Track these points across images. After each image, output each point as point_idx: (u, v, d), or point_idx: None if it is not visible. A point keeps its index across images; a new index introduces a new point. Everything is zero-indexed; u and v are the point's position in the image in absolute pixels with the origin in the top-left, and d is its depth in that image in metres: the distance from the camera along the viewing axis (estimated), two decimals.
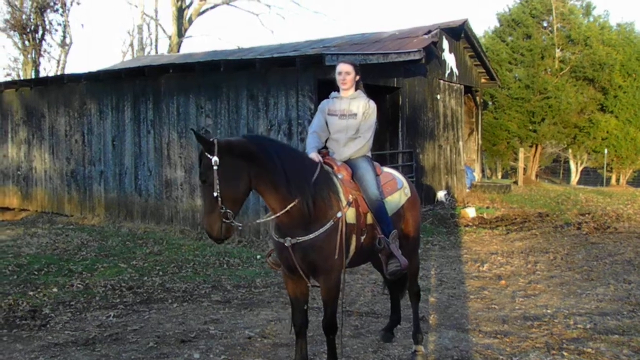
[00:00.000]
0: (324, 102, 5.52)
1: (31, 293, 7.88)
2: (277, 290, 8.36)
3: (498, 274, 9.42)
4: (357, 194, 5.05)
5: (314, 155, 5.06)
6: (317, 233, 4.66)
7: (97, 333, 6.49)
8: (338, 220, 4.73)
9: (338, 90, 5.44)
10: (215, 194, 4.32)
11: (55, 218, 15.07)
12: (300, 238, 4.68)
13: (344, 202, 4.85)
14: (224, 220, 4.35)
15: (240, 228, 4.60)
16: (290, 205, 4.58)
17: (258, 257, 10.43)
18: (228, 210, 4.35)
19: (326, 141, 5.43)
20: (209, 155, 4.32)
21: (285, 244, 4.73)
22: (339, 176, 5.06)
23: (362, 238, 5.00)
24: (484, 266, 9.94)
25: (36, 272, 8.99)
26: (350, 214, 4.85)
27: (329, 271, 4.77)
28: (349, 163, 5.24)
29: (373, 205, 5.07)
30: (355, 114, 5.27)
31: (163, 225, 13.26)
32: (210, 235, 4.43)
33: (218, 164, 4.32)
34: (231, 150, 4.40)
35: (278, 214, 4.63)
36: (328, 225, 4.69)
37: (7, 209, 16.96)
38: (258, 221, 5.08)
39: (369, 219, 5.08)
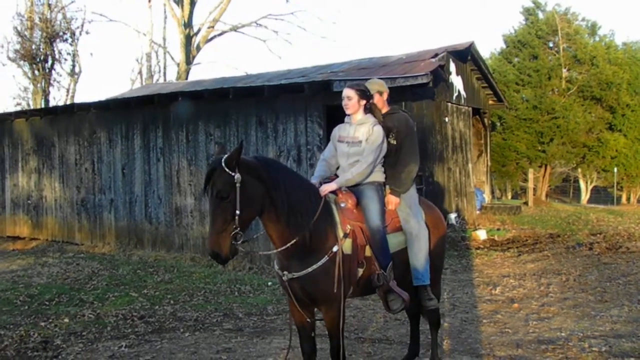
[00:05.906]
0: (336, 128, 5.39)
1: (42, 324, 7.87)
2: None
3: (511, 297, 9.35)
4: (357, 224, 4.88)
5: (315, 183, 5.00)
6: (313, 267, 4.58)
7: None
8: (334, 255, 4.62)
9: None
10: (237, 212, 4.18)
11: (65, 247, 15.10)
12: (295, 273, 4.62)
13: (341, 234, 4.72)
14: (232, 241, 4.21)
15: (243, 250, 4.52)
16: (290, 243, 4.52)
17: (269, 283, 10.39)
18: (239, 232, 4.21)
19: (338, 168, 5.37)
20: (229, 172, 4.18)
21: (283, 278, 4.70)
22: (341, 205, 4.91)
23: (361, 270, 4.86)
24: (496, 289, 9.87)
25: (47, 302, 8.99)
26: (347, 245, 4.72)
27: (329, 302, 4.69)
28: (355, 190, 5.07)
29: (373, 236, 4.89)
30: (360, 142, 5.08)
31: (174, 253, 13.26)
32: (218, 256, 4.20)
33: (240, 181, 4.21)
34: (249, 169, 4.30)
35: (278, 250, 4.59)
36: (323, 260, 4.59)
37: (18, 238, 17.02)
38: (262, 252, 4.94)
39: (367, 251, 4.91)
